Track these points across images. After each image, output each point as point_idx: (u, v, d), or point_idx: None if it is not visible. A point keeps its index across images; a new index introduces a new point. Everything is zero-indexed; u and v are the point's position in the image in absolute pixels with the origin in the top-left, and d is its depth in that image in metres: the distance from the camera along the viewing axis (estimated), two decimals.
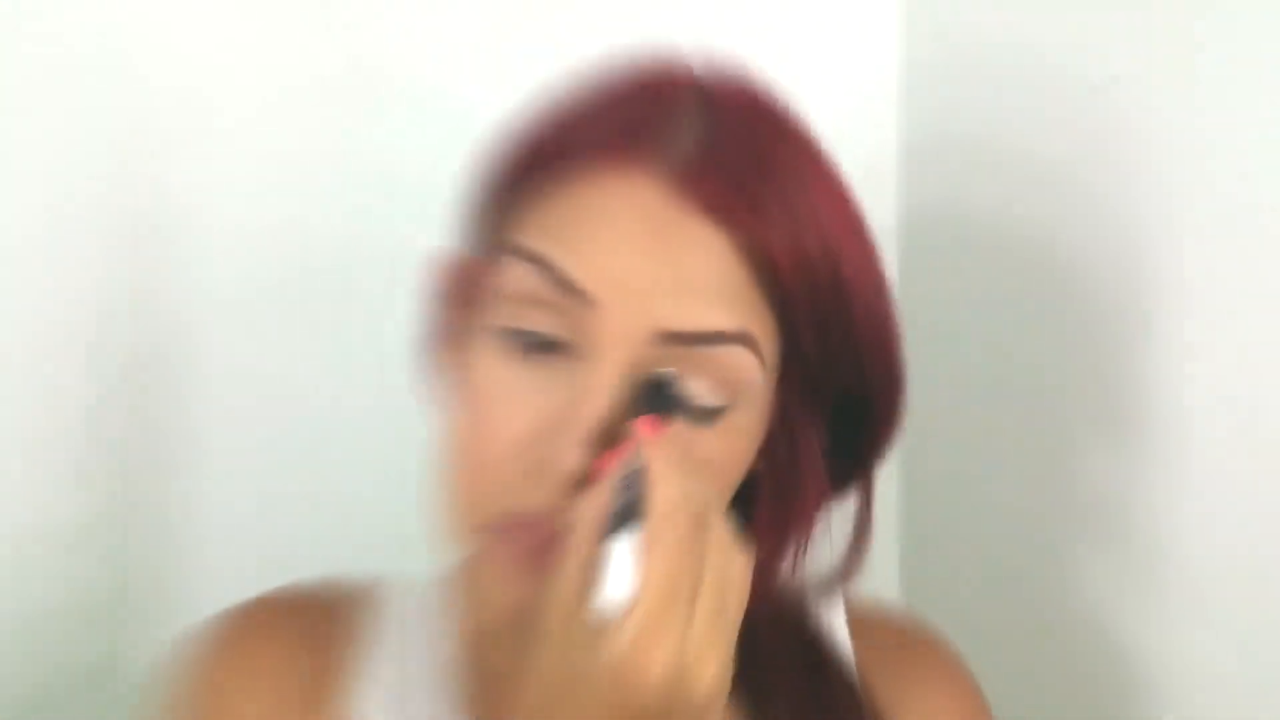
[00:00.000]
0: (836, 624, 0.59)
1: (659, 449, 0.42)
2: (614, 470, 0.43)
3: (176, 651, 0.56)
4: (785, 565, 0.53)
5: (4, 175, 0.70)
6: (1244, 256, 0.62)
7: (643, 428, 0.43)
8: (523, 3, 0.87)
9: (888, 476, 0.87)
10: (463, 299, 0.51)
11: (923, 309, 0.86)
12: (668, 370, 0.45)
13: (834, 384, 0.49)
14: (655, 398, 0.45)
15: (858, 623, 0.59)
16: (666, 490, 0.41)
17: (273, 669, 0.54)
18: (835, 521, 0.55)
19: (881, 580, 0.89)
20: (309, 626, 0.56)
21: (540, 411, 0.45)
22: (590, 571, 0.41)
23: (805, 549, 0.53)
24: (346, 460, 0.87)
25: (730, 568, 0.42)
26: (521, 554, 0.45)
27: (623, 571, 0.40)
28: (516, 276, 0.46)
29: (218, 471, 0.85)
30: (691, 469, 0.43)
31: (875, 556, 0.85)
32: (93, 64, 0.78)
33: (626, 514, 0.41)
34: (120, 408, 0.82)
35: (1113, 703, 0.70)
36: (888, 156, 0.89)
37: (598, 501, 0.42)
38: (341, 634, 0.56)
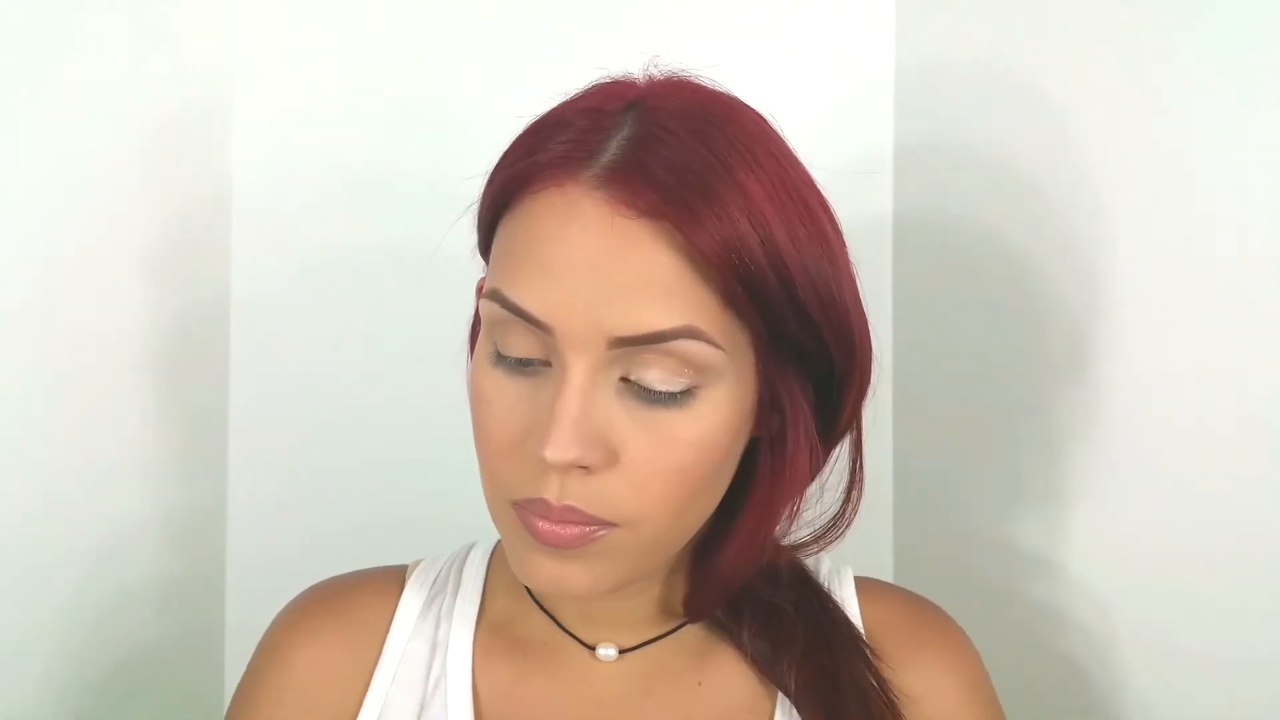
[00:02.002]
0: (846, 595, 0.63)
1: None
2: None
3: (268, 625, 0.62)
4: (783, 520, 0.57)
5: (50, 185, 0.74)
6: (1188, 257, 0.67)
7: None
8: (547, 21, 0.92)
9: (883, 455, 0.92)
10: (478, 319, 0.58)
11: (915, 299, 0.91)
12: None
13: (796, 351, 0.53)
14: None
15: (866, 595, 0.63)
16: None
17: (323, 636, 0.60)
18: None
19: (877, 559, 0.94)
20: (357, 601, 0.62)
21: (527, 414, 0.51)
22: None
23: (799, 505, 0.57)
24: (382, 444, 0.92)
25: None
26: (538, 533, 0.51)
27: None
28: (493, 312, 0.51)
29: (266, 467, 0.91)
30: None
31: (871, 540, 0.90)
32: (146, 77, 0.81)
33: None
34: (172, 409, 0.86)
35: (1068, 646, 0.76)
36: (883, 160, 0.93)
37: None
38: (386, 605, 0.62)
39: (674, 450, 0.50)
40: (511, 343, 0.51)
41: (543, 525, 0.50)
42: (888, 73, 0.93)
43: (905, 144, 0.93)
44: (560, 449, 0.48)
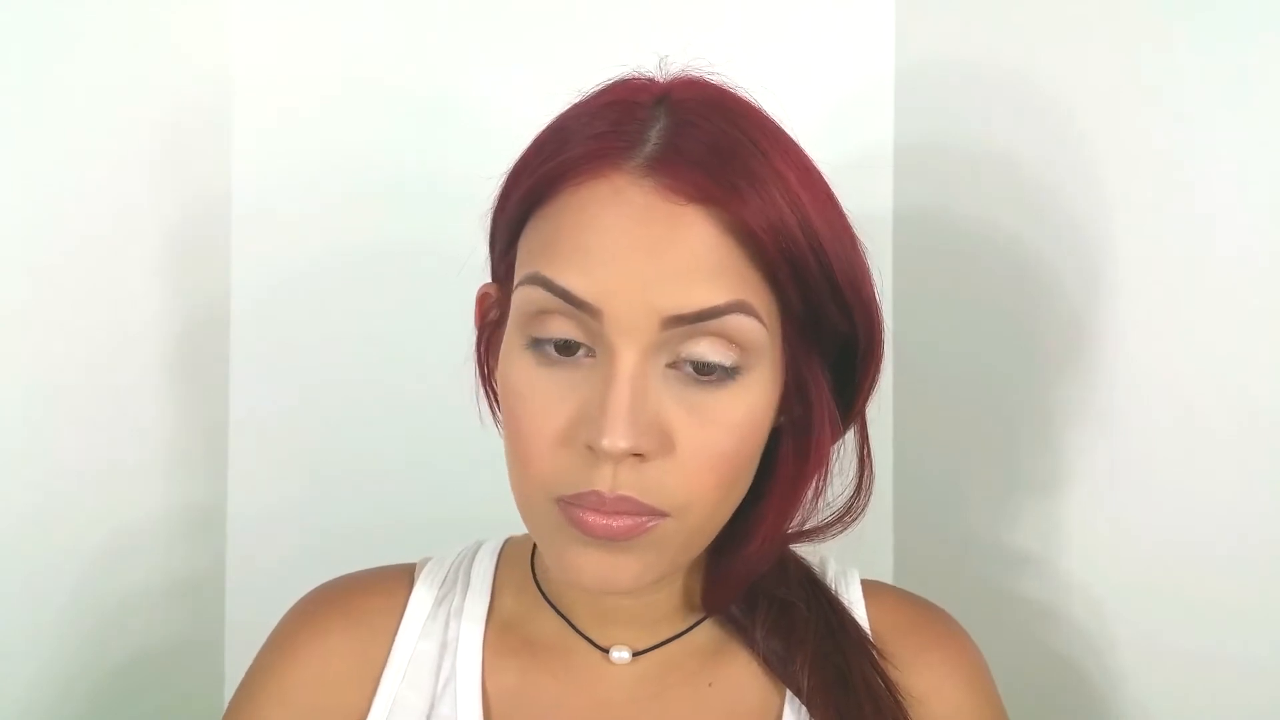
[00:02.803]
0: (854, 598, 0.63)
1: None
2: None
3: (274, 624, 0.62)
4: (804, 505, 0.57)
5: (49, 187, 0.73)
6: (1188, 257, 0.67)
7: None
8: (547, 22, 0.92)
9: (883, 454, 0.92)
10: (499, 319, 0.57)
11: (915, 298, 0.90)
12: None
13: (826, 330, 0.54)
14: None
15: (872, 598, 0.63)
16: None
17: (332, 635, 0.60)
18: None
19: (877, 559, 0.93)
20: (366, 600, 0.62)
21: (574, 405, 0.50)
22: None
23: (823, 485, 0.57)
24: (382, 445, 0.91)
25: None
26: (589, 527, 0.50)
27: None
28: (531, 298, 0.51)
29: (266, 468, 0.90)
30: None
31: (872, 540, 0.90)
32: (146, 79, 0.81)
33: None
34: (173, 410, 0.85)
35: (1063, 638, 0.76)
36: (883, 158, 0.93)
37: None
38: (395, 604, 0.61)
39: (720, 434, 0.51)
40: (552, 329, 0.50)
41: (593, 518, 0.50)
42: (888, 72, 0.93)
43: (905, 142, 0.93)
44: (618, 436, 0.48)
